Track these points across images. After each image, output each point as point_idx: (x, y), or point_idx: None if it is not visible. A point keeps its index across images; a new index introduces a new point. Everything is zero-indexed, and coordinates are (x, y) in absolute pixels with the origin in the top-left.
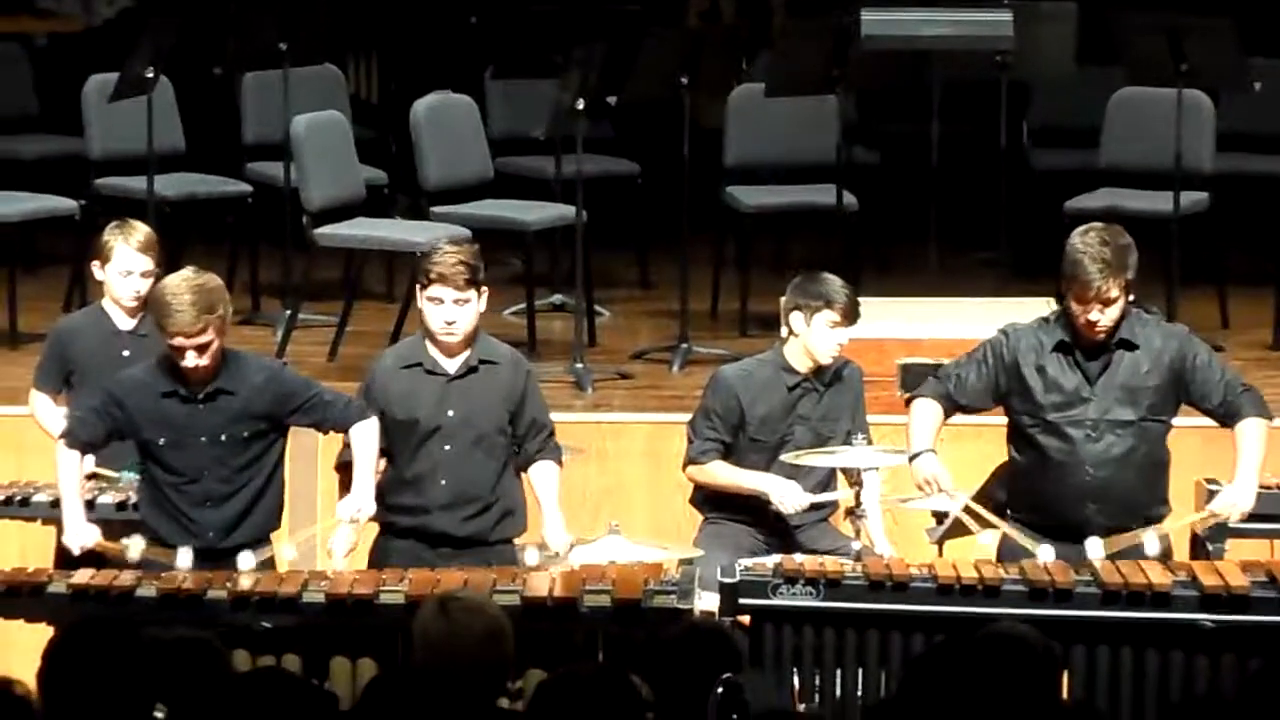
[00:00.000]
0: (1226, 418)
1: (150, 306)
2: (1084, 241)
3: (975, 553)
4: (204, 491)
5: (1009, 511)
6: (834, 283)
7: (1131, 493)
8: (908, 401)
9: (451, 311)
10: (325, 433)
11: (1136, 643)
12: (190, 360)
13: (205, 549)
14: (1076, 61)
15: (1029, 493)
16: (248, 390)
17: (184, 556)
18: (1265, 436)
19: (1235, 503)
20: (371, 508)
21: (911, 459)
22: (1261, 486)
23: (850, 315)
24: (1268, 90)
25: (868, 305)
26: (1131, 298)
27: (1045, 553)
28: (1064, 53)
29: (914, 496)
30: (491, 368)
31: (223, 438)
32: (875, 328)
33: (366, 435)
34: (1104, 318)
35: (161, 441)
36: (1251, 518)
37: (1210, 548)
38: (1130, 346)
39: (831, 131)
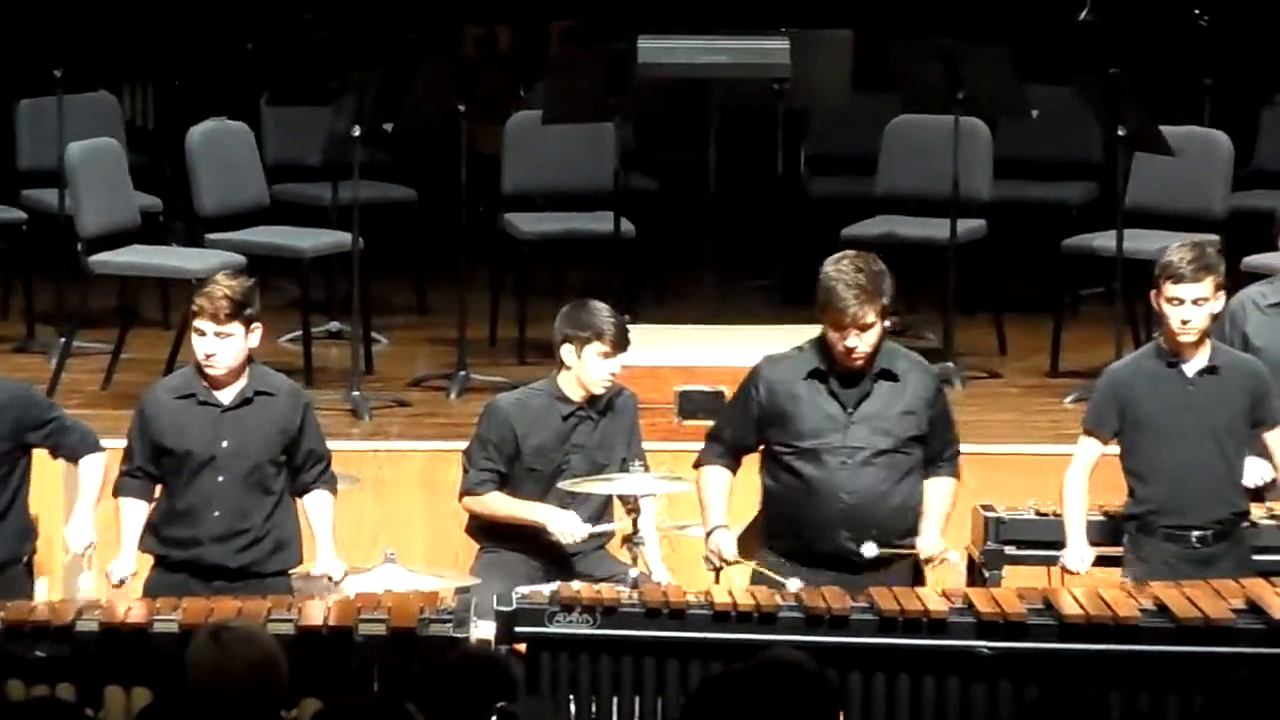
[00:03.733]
0: (930, 468)
1: None
2: (837, 269)
3: None
4: None
5: (767, 541)
6: (602, 312)
7: (884, 521)
8: (696, 465)
9: (212, 344)
10: (57, 458)
11: (913, 670)
12: None
13: None
14: (853, 89)
15: (783, 519)
16: None
17: None
18: (955, 495)
19: (937, 547)
20: (95, 537)
21: (708, 535)
22: (1037, 513)
23: (620, 344)
24: (1045, 117)
25: (645, 332)
26: (888, 324)
27: (793, 584)
28: (840, 80)
29: (692, 524)
30: (267, 399)
31: None
32: (652, 355)
33: (96, 467)
34: (861, 343)
35: None
36: (1027, 544)
37: (986, 574)
38: (892, 378)
39: (609, 159)
